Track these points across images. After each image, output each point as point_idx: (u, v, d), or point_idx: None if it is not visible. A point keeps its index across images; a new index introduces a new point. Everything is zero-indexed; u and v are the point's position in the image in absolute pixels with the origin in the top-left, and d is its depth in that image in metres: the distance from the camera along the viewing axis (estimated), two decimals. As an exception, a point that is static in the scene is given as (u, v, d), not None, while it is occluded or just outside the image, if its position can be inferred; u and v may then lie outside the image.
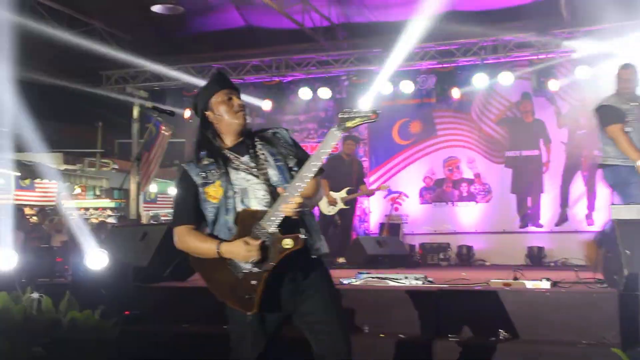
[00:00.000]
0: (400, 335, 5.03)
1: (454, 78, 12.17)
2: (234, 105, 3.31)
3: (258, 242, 3.05)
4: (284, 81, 13.07)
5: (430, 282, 6.04)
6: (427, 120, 12.79)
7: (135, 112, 14.19)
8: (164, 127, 13.73)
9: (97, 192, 20.99)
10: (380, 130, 13.04)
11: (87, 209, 20.56)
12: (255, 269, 3.09)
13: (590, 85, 11.41)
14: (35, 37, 10.63)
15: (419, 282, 5.95)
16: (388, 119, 12.92)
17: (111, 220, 19.06)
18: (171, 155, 16.72)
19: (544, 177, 12.02)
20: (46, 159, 18.71)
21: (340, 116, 3.01)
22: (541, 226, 11.94)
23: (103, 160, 20.26)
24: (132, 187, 13.79)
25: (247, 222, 3.12)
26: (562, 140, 11.89)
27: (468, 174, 12.56)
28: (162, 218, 16.71)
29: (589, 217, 11.59)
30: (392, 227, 12.03)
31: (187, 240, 3.23)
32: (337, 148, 10.19)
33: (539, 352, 4.63)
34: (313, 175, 3.04)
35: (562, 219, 11.81)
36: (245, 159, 3.27)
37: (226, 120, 3.30)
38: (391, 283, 5.91)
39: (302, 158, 3.24)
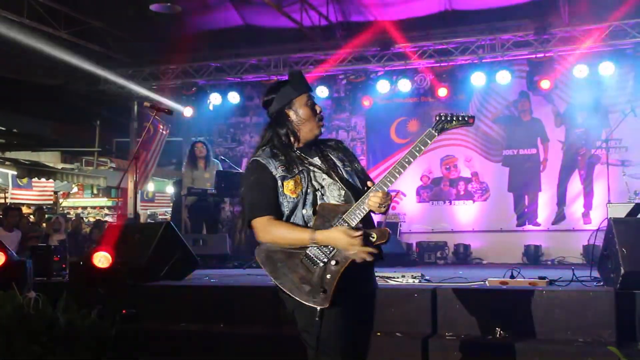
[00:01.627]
0: (397, 334, 5.05)
1: (452, 77, 12.16)
2: (318, 114, 3.37)
3: (361, 232, 3.07)
4: (282, 80, 13.05)
5: (427, 280, 6.04)
6: (424, 118, 12.75)
7: (134, 111, 14.18)
8: (161, 126, 13.74)
9: (95, 191, 21.01)
10: (377, 128, 13.04)
11: (84, 207, 20.60)
12: (333, 262, 3.08)
13: (588, 84, 11.44)
14: (33, 35, 10.62)
15: (416, 281, 5.95)
16: (385, 117, 12.92)
17: (108, 218, 19.09)
18: (168, 154, 16.74)
19: (541, 176, 11.99)
20: (44, 158, 18.75)
21: (437, 117, 3.17)
22: (538, 225, 11.93)
23: (100, 159, 20.29)
24: (130, 186, 13.77)
25: (327, 215, 3.16)
26: (560, 139, 11.87)
27: (465, 172, 12.54)
28: (160, 217, 16.72)
29: (585, 215, 11.58)
30: (389, 225, 12.00)
31: (274, 229, 3.19)
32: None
33: (536, 350, 4.63)
34: (404, 170, 3.13)
35: (559, 217, 11.80)
36: (316, 160, 3.35)
37: (307, 126, 3.34)
38: (388, 282, 5.91)
39: (362, 168, 3.45)
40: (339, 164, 3.36)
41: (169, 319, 5.86)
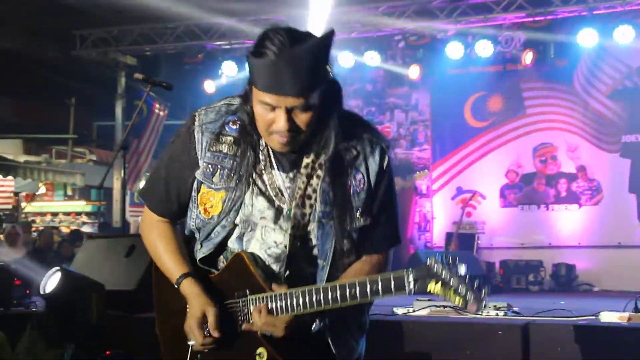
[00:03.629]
0: (475, 386, 5.01)
1: (550, 35, 12.05)
2: (273, 123, 2.54)
3: (213, 316, 2.64)
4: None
5: (516, 313, 6.00)
6: (511, 94, 12.69)
7: (121, 85, 14.32)
8: (158, 105, 13.86)
9: (69, 192, 21.26)
10: (447, 108, 13.00)
11: (55, 213, 20.81)
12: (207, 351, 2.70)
13: None
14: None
15: (501, 314, 5.91)
16: (458, 92, 12.88)
17: (87, 228, 19.28)
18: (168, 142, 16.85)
19: (676, 171, 11.93)
20: (0, 148, 18.99)
21: (427, 263, 2.42)
22: (674, 238, 11.85)
23: (76, 149, 20.49)
24: (116, 185, 13.93)
25: (235, 275, 2.69)
26: None
27: (568, 166, 12.46)
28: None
29: None
30: (463, 238, 11.97)
31: (155, 237, 2.87)
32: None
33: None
34: (326, 305, 2.49)
35: None
36: (282, 178, 2.69)
37: (259, 128, 2.63)
38: (463, 314, 5.87)
39: (374, 221, 2.71)
40: (318, 206, 2.65)
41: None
